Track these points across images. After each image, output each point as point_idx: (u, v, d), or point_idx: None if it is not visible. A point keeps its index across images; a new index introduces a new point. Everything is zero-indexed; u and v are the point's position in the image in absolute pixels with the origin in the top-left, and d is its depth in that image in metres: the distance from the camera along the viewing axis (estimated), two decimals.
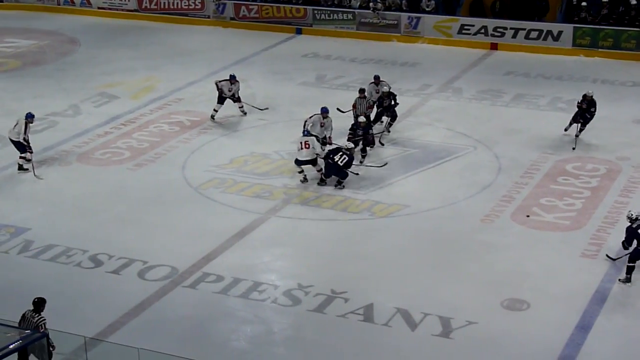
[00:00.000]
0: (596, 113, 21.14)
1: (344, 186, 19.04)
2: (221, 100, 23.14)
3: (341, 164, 18.82)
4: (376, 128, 21.54)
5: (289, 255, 16.66)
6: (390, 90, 21.94)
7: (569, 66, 27.51)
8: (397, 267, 15.99)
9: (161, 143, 21.87)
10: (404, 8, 31.42)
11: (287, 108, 24.13)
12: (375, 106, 22.13)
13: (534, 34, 29.41)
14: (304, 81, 26.63)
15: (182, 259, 16.20)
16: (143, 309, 14.76)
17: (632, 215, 15.41)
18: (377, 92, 22.26)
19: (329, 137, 20.40)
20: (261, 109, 23.89)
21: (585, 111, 21.26)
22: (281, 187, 19.26)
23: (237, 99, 23.32)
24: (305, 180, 19.28)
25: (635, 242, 15.23)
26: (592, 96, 21.26)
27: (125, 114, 23.88)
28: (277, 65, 28.24)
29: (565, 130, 21.58)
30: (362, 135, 20.14)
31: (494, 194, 18.68)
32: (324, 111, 20.40)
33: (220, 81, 23.26)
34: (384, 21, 31.24)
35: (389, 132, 21.97)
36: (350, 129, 20.31)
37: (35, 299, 12.35)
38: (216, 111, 23.22)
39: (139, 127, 23.01)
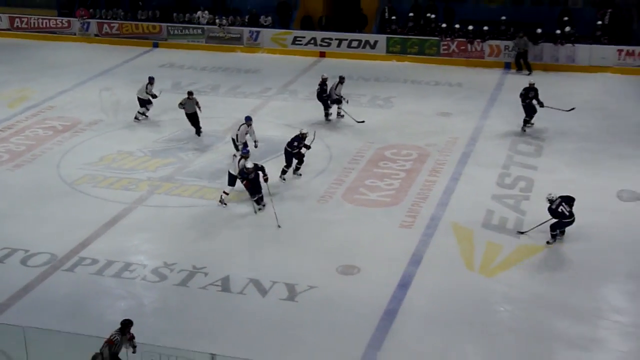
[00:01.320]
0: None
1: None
2: (143, 103, 22.90)
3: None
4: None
5: (155, 238, 16.38)
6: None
7: (384, 70, 28.11)
8: (249, 243, 16.00)
9: (37, 145, 21.06)
10: (246, 23, 31.42)
11: (149, 112, 23.64)
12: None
13: (355, 43, 29.92)
14: (162, 88, 26.10)
15: (60, 246, 15.70)
16: (26, 292, 14.24)
17: (551, 197, 15.32)
18: (339, 91, 22.76)
19: (255, 141, 19.41)
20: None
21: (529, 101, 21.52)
22: (146, 180, 18.90)
23: (146, 103, 22.88)
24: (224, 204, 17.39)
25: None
26: (533, 84, 21.86)
27: (3, 121, 22.90)
28: (138, 75, 27.53)
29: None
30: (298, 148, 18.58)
31: (327, 178, 18.91)
32: (249, 119, 19.40)
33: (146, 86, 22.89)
34: (229, 35, 31.11)
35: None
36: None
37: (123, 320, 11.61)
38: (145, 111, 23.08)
39: (15, 132, 22.11)
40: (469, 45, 28.82)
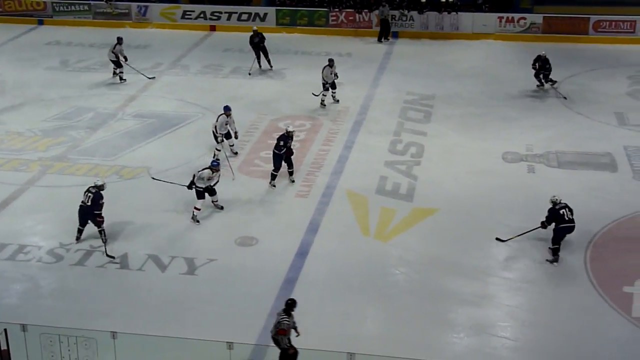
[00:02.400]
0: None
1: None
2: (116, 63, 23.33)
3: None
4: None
5: (49, 219, 15.88)
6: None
7: (275, 42, 27.81)
8: (146, 220, 15.68)
9: None
10: None
11: (36, 91, 22.90)
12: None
13: (244, 16, 29.65)
14: (49, 66, 25.35)
15: None
16: None
17: (556, 199, 14.30)
18: (332, 74, 21.38)
19: (236, 132, 18.32)
20: (149, 77, 23.62)
21: (541, 69, 22.08)
22: (37, 160, 18.30)
23: (120, 64, 23.32)
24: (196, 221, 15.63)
25: (554, 224, 14.28)
26: (545, 55, 22.12)
27: None
28: (23, 54, 26.69)
29: (539, 86, 22.46)
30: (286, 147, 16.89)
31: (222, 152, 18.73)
32: (227, 109, 17.97)
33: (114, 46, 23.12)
34: (117, 10, 30.30)
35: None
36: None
37: (288, 300, 11.40)
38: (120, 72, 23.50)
39: None
40: (357, 16, 28.98)
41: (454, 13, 28.37)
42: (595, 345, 12.05)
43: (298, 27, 29.34)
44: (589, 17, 27.86)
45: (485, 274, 13.84)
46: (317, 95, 21.53)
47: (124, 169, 17.81)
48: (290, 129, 16.96)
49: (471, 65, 25.23)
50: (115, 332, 10.85)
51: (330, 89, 21.59)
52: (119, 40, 23.25)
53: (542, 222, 14.38)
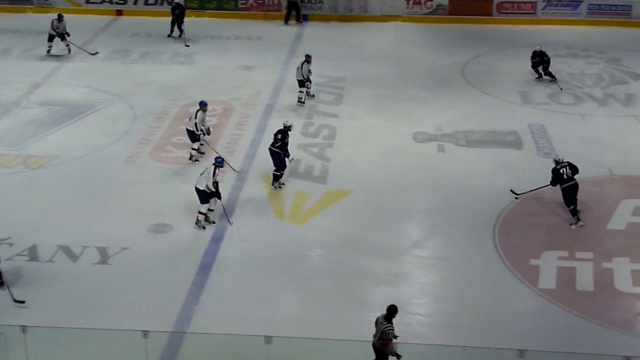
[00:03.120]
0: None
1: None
2: (50, 38, 23.70)
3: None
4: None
5: None
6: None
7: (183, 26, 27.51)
8: (55, 210, 15.30)
9: None
10: None
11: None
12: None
13: (152, 1, 29.00)
14: None
15: None
16: None
17: (559, 158, 14.96)
18: (310, 71, 20.40)
19: (209, 128, 17.28)
20: (92, 54, 23.67)
21: (540, 63, 21.96)
22: None
23: (63, 37, 23.75)
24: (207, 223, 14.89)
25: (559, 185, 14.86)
26: (540, 49, 22.13)
27: None
28: None
29: (538, 79, 22.19)
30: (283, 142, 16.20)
31: (132, 138, 18.40)
32: (204, 105, 17.05)
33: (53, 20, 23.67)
34: None
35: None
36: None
37: (390, 306, 10.84)
38: (50, 47, 23.84)
39: None
40: None
41: None
42: (505, 317, 12.37)
43: (207, 10, 28.97)
44: None
45: (399, 252, 14.03)
46: (301, 101, 20.45)
47: (31, 159, 17.31)
48: (287, 123, 16.34)
49: (380, 47, 25.43)
50: (25, 326, 10.57)
51: (306, 84, 20.51)
52: (60, 18, 23.77)
53: (551, 182, 15.02)
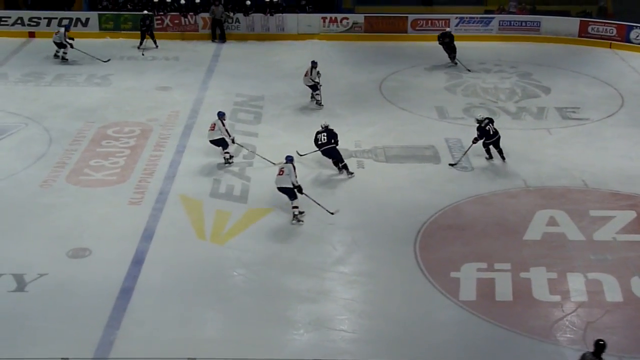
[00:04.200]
0: None
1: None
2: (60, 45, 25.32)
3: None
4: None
5: None
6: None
7: (98, 47, 27.07)
8: None
9: None
10: None
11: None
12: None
13: (65, 22, 28.49)
14: None
15: None
16: None
17: (480, 117, 18.11)
18: (319, 74, 21.79)
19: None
20: (104, 61, 24.11)
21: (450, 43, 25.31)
22: None
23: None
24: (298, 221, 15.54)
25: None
26: (449, 31, 25.79)
27: None
28: None
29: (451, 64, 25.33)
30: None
31: (48, 162, 18.03)
32: (222, 115, 17.96)
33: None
34: None
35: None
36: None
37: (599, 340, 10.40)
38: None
39: None
40: (182, 19, 28.71)
41: (279, 14, 28.68)
42: (427, 329, 12.55)
43: (122, 31, 28.69)
44: (407, 17, 28.98)
45: (321, 269, 14.10)
46: (318, 102, 21.89)
47: None
48: (325, 123, 17.73)
49: (298, 65, 25.53)
50: None
51: (318, 87, 21.81)
52: (67, 27, 25.67)
53: (474, 138, 17.92)
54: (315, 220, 15.64)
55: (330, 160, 17.69)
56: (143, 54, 26.52)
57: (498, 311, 12.95)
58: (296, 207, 15.55)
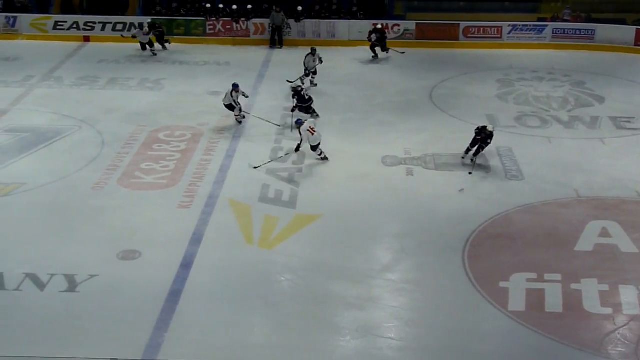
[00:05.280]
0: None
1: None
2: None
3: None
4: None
5: None
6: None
7: (147, 53, 27.58)
8: (22, 238, 15.13)
9: None
10: (0, 8, 29.61)
11: None
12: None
13: (119, 27, 29.11)
14: None
15: None
16: None
17: (296, 85, 20.49)
18: (315, 62, 23.63)
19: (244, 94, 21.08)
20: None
21: (379, 40, 26.14)
22: None
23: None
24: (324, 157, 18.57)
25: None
26: (380, 26, 26.46)
27: None
28: None
29: (374, 57, 26.44)
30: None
31: (100, 165, 18.32)
32: (236, 86, 20.79)
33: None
34: None
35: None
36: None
37: None
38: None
39: None
40: (234, 25, 28.97)
41: (331, 21, 28.77)
42: (475, 339, 12.44)
43: (175, 36, 29.04)
44: (459, 24, 28.84)
45: (369, 276, 14.06)
46: (291, 82, 22.91)
47: None
48: (490, 128, 18.40)
49: (348, 72, 25.64)
50: None
51: (311, 74, 23.48)
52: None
53: (293, 108, 20.35)
54: (363, 227, 15.62)
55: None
56: (156, 54, 27.36)
57: (547, 322, 12.78)
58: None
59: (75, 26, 29.22)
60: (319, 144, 18.33)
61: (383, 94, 23.42)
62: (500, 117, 21.58)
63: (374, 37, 26.49)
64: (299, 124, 18.37)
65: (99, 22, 29.15)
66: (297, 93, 20.66)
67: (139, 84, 24.21)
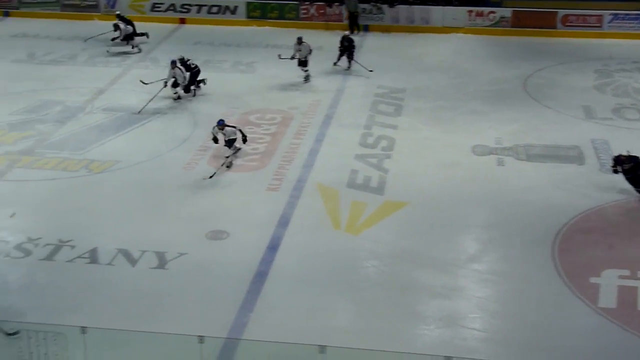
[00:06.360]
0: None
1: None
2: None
3: None
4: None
5: (17, 213, 15.73)
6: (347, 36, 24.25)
7: (245, 35, 27.92)
8: (116, 214, 15.64)
9: None
10: None
11: (2, 84, 22.73)
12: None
13: (214, 9, 29.57)
14: (16, 58, 25.15)
15: None
16: None
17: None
18: (299, 50, 23.07)
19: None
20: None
21: (347, 48, 24.04)
22: (4, 154, 18.17)
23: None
24: None
25: None
26: (348, 35, 24.80)
27: None
28: None
29: (335, 64, 24.32)
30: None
31: (192, 145, 18.70)
32: (174, 62, 21.16)
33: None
34: (85, 2, 30.06)
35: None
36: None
37: None
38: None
39: None
40: (327, 9, 29.04)
41: (425, 7, 28.51)
42: (561, 334, 12.21)
43: (269, 20, 29.32)
44: (557, 12, 28.15)
45: (455, 266, 13.97)
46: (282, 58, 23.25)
47: (93, 163, 17.74)
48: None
49: (441, 59, 25.39)
50: (85, 327, 10.82)
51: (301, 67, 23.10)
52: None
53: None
54: (450, 216, 15.52)
55: None
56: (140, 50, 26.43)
57: (639, 321, 12.46)
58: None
59: (172, 8, 29.82)
60: (235, 139, 17.72)
61: (475, 82, 23.13)
62: (597, 109, 21.03)
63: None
64: (221, 124, 17.60)
65: (195, 5, 29.66)
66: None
67: (232, 67, 24.56)
